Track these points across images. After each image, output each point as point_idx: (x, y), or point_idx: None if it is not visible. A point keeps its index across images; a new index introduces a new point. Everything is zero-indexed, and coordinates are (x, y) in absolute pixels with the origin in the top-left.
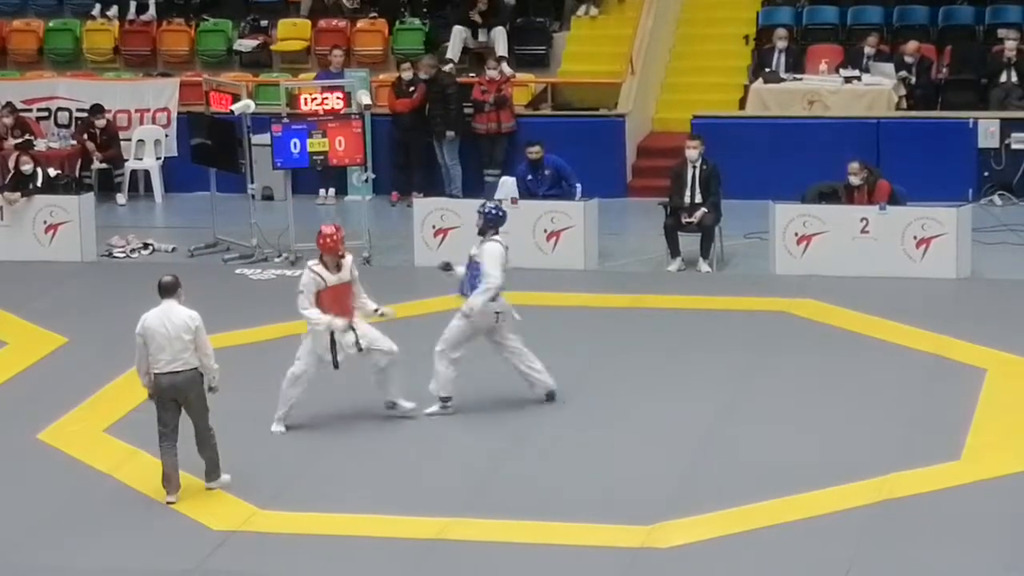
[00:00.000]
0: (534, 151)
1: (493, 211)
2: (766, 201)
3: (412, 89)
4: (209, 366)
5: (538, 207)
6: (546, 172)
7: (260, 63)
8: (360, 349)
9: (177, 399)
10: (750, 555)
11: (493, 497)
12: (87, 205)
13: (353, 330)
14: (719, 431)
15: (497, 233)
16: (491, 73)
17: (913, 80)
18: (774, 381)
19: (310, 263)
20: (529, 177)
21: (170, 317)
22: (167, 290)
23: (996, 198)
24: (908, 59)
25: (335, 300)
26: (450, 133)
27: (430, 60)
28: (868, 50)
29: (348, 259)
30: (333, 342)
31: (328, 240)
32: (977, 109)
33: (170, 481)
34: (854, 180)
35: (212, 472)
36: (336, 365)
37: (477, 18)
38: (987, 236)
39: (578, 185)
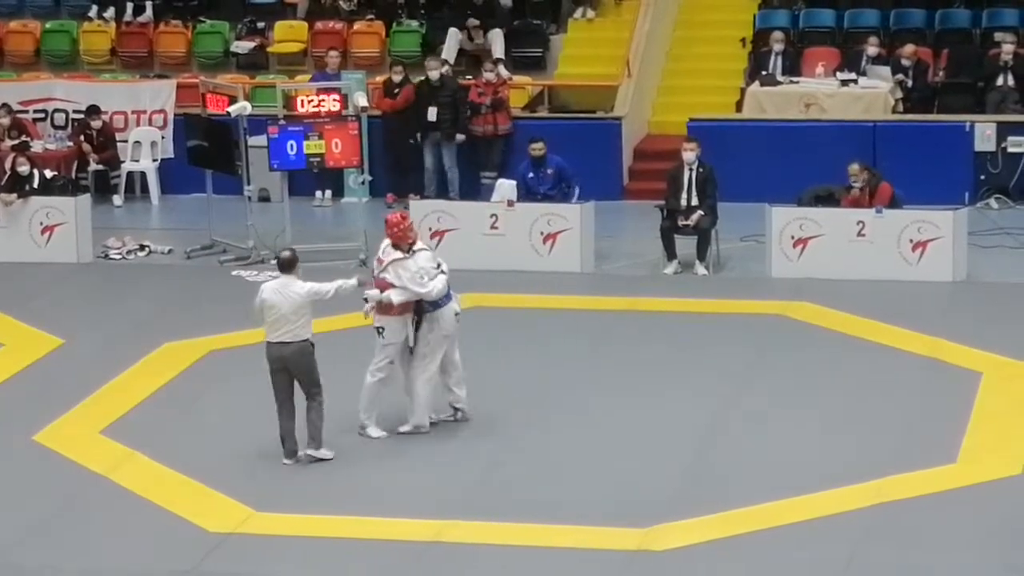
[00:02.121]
0: (537, 147)
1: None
2: (762, 204)
3: (396, 91)
4: (332, 293)
5: (534, 209)
6: (548, 171)
7: (257, 65)
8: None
9: (287, 368)
10: (746, 558)
11: (490, 500)
12: (83, 206)
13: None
14: (715, 434)
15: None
16: (488, 75)
17: (910, 83)
18: (770, 384)
19: (394, 257)
20: (531, 175)
21: (288, 292)
22: (287, 265)
23: (992, 201)
24: (905, 62)
25: None
26: (460, 136)
27: (437, 60)
28: (871, 50)
29: (419, 243)
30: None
31: (396, 231)
32: (974, 112)
33: (284, 443)
34: (855, 183)
35: (312, 439)
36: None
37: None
38: (983, 239)
39: (577, 188)
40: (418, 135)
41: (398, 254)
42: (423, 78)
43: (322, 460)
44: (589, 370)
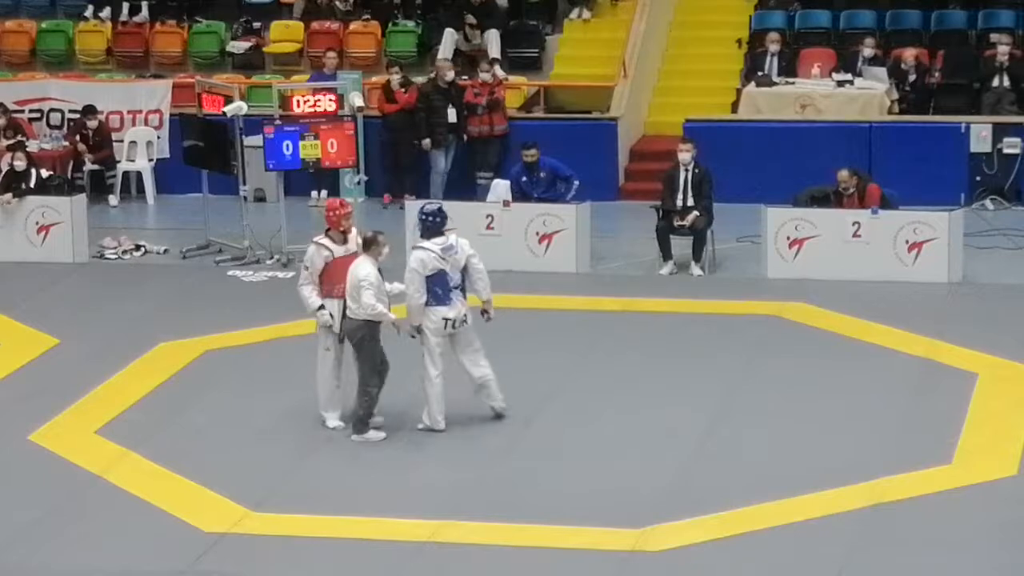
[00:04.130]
0: (530, 154)
1: (432, 217)
2: (758, 205)
3: (404, 90)
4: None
5: (530, 210)
6: (542, 175)
7: (253, 65)
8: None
9: (349, 339)
10: (741, 559)
11: (485, 500)
12: (79, 206)
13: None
14: (711, 434)
15: (434, 235)
16: (484, 76)
17: (912, 77)
18: (766, 385)
19: (316, 238)
20: (524, 179)
21: (354, 270)
22: (364, 245)
23: (988, 202)
24: (904, 66)
25: (343, 272)
26: (463, 136)
27: (449, 63)
28: (867, 51)
29: (353, 232)
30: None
31: (331, 214)
32: (969, 113)
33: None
34: (846, 190)
35: (357, 425)
36: (342, 340)
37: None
38: (979, 240)
39: (576, 182)
40: (426, 139)
41: (325, 239)
42: (430, 78)
43: (369, 442)
44: (584, 371)
